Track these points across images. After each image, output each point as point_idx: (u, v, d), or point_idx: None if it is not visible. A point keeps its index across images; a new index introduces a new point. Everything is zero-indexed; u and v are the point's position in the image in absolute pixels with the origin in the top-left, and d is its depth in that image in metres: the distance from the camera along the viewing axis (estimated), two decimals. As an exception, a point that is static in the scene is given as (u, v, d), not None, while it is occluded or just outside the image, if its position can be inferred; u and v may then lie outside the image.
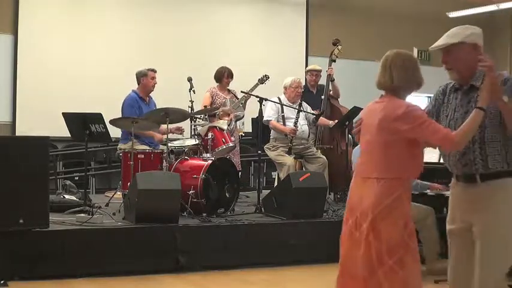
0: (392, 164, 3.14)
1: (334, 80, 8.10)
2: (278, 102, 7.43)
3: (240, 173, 7.59)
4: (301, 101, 7.53)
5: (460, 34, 3.20)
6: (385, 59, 3.27)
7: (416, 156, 3.19)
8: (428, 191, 5.76)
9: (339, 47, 8.23)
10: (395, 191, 3.12)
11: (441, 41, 3.22)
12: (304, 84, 7.97)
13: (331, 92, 8.14)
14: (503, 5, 11.34)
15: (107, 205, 6.70)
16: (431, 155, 5.91)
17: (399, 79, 3.20)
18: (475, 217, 3.13)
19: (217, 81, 7.94)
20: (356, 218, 3.20)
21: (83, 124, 6.27)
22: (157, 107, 7.20)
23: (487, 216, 3.09)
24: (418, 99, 12.24)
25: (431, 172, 5.65)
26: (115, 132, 6.93)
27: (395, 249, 3.09)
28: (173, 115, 6.76)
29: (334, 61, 8.26)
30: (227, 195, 6.69)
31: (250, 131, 9.27)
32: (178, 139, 7.26)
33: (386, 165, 3.15)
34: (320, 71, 8.27)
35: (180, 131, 7.19)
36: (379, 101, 3.27)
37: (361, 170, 3.28)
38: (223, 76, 7.88)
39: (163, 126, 6.77)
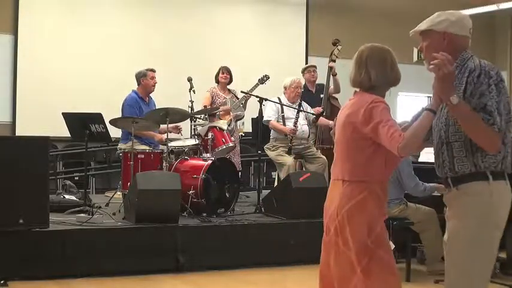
0: (356, 166, 2.92)
1: (336, 74, 8.07)
2: (278, 102, 7.43)
3: (240, 173, 7.59)
4: (301, 100, 7.53)
5: (430, 20, 2.95)
6: (359, 54, 3.05)
7: (383, 158, 2.90)
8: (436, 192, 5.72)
9: (339, 47, 8.22)
10: (357, 194, 2.90)
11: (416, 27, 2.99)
12: (303, 84, 7.97)
13: (331, 87, 8.12)
14: (503, 5, 11.34)
15: (107, 205, 6.71)
16: (431, 155, 5.90)
17: (377, 76, 2.98)
18: (447, 225, 2.89)
19: (216, 82, 7.96)
20: (326, 222, 3.10)
21: (83, 124, 6.28)
22: (158, 107, 7.21)
23: (452, 227, 2.82)
24: (419, 100, 12.25)
25: (432, 172, 5.64)
26: (115, 132, 6.93)
27: (360, 255, 2.88)
28: (173, 115, 6.76)
29: (334, 61, 8.26)
30: (227, 195, 6.69)
31: (250, 131, 9.27)
32: (178, 139, 7.27)
33: (350, 167, 2.94)
34: (316, 66, 8.31)
35: (177, 130, 7.19)
36: (351, 98, 3.07)
37: (332, 171, 3.10)
38: (219, 74, 7.91)
39: (163, 126, 6.78)
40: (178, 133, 7.26)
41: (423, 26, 2.96)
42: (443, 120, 2.83)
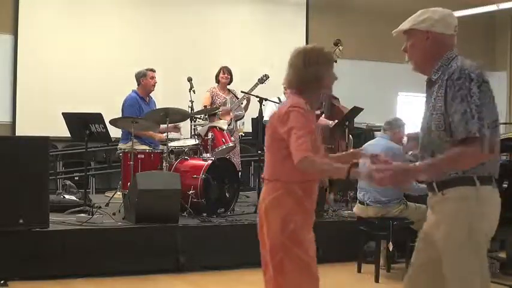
0: (275, 165, 2.99)
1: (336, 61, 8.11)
2: (278, 102, 7.43)
3: (240, 173, 7.59)
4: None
5: (413, 19, 2.84)
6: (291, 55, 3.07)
7: None
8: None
9: (340, 47, 8.23)
10: (273, 192, 2.96)
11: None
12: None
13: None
14: (503, 5, 11.33)
15: (107, 205, 6.71)
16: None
17: (294, 77, 3.02)
18: (425, 227, 2.86)
19: (217, 82, 7.96)
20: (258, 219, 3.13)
21: (83, 124, 6.28)
22: (158, 107, 7.21)
23: (438, 234, 2.73)
24: (419, 100, 12.23)
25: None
26: (115, 132, 6.93)
27: (273, 251, 2.93)
28: (173, 115, 6.77)
29: (335, 61, 8.25)
30: (227, 195, 6.69)
31: (250, 131, 9.27)
32: (178, 139, 7.27)
33: (270, 166, 3.02)
34: None
35: (177, 129, 7.19)
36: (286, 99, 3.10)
37: None
38: (219, 74, 7.91)
39: (163, 126, 6.78)
40: (178, 132, 7.26)
41: (406, 25, 2.87)
42: (425, 125, 2.78)
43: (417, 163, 2.72)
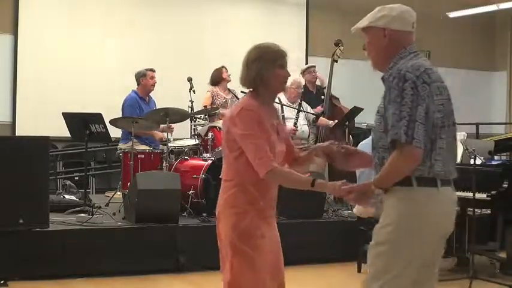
0: (229, 165, 2.98)
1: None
2: (278, 102, 7.42)
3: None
4: (301, 101, 7.53)
5: (370, 16, 2.80)
6: None
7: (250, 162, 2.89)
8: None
9: (341, 48, 8.23)
10: (227, 192, 2.98)
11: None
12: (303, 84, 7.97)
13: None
14: (503, 5, 11.33)
15: (107, 205, 6.71)
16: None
17: (242, 75, 3.01)
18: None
19: (216, 84, 7.79)
20: None
21: (83, 124, 6.28)
22: (158, 107, 7.21)
23: (375, 236, 2.71)
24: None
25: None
26: (115, 132, 6.93)
27: (224, 249, 2.96)
28: (173, 115, 6.77)
29: (336, 61, 8.28)
30: (227, 195, 6.68)
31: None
32: (178, 139, 7.27)
33: (225, 166, 3.01)
34: (315, 66, 8.35)
35: (170, 129, 7.15)
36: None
37: None
38: (221, 73, 7.76)
39: (163, 126, 6.78)
40: (171, 132, 7.19)
41: (364, 22, 2.83)
42: (374, 126, 2.78)
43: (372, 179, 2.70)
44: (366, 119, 9.72)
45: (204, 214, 6.31)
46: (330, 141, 3.08)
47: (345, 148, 3.02)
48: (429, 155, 2.62)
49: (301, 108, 7.43)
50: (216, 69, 7.85)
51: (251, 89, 3.04)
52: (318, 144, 3.02)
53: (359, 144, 5.91)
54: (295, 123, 7.33)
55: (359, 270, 5.84)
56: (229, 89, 7.92)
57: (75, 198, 6.69)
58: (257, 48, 3.02)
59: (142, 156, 6.60)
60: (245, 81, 3.02)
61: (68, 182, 7.28)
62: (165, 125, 6.72)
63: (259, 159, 2.83)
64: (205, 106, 7.65)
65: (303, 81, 7.88)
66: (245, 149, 2.86)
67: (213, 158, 6.68)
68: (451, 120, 2.73)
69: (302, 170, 3.17)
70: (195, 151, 7.02)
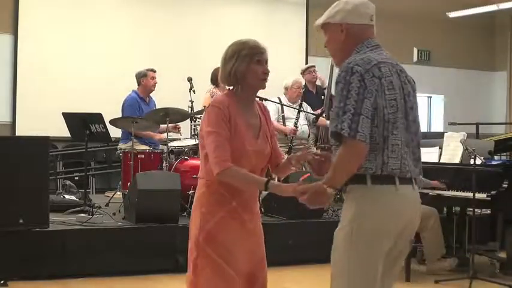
0: (201, 164, 2.94)
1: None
2: (278, 102, 7.43)
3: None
4: (302, 101, 7.54)
5: (327, 12, 2.78)
6: None
7: None
8: (429, 191, 5.74)
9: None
10: (198, 190, 2.95)
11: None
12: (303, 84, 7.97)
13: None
14: (503, 5, 11.33)
15: (107, 205, 6.71)
16: (430, 156, 5.92)
17: (220, 73, 3.01)
18: None
19: (215, 83, 7.82)
20: None
21: (83, 124, 6.28)
22: (158, 107, 7.21)
23: (334, 239, 2.68)
24: (418, 100, 12.21)
25: (432, 172, 5.65)
26: (115, 132, 6.92)
27: (191, 249, 2.90)
28: (173, 115, 6.77)
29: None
30: (227, 195, 6.68)
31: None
32: (178, 139, 7.27)
33: (201, 165, 2.95)
34: (315, 66, 8.35)
35: (177, 129, 7.18)
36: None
37: None
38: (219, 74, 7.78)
39: (163, 126, 6.78)
40: (178, 132, 7.25)
41: (321, 19, 2.80)
42: None
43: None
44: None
45: (204, 214, 6.30)
46: (305, 148, 3.01)
47: (320, 155, 2.88)
48: (381, 153, 2.55)
49: (302, 108, 7.43)
50: (216, 68, 7.85)
51: (230, 87, 3.00)
52: (292, 154, 2.93)
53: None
54: (295, 123, 7.33)
55: (359, 270, 5.83)
56: (229, 89, 7.91)
57: (75, 198, 6.68)
58: (234, 45, 3.01)
59: (142, 156, 6.60)
60: (222, 78, 3.00)
61: (68, 182, 7.28)
62: (165, 125, 6.71)
63: (215, 157, 2.77)
64: (205, 106, 7.65)
65: (303, 81, 7.89)
66: (206, 146, 2.83)
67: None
68: (411, 116, 2.66)
69: (283, 176, 3.23)
70: (195, 151, 7.01)
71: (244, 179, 2.82)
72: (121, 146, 7.08)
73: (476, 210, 5.56)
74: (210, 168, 2.83)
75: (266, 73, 2.96)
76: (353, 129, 2.46)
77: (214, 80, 7.84)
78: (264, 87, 3.01)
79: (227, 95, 2.97)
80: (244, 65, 2.92)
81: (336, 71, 3.05)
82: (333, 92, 8.64)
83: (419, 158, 2.72)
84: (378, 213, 2.56)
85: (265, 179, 2.80)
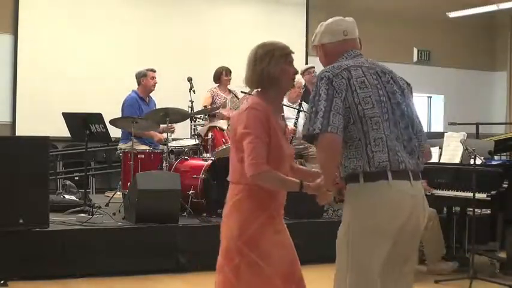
0: (235, 168, 2.89)
1: None
2: (278, 102, 7.42)
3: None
4: (301, 101, 7.54)
5: (314, 36, 2.99)
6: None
7: None
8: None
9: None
10: (234, 196, 2.89)
11: None
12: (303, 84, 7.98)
13: None
14: (503, 5, 11.34)
15: (107, 205, 6.71)
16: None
17: (248, 75, 2.95)
18: None
19: (216, 82, 7.92)
20: None
21: (83, 124, 6.28)
22: (158, 107, 7.21)
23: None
24: (419, 100, 12.25)
25: (432, 172, 5.65)
26: (115, 132, 6.92)
27: (229, 255, 2.86)
28: (173, 115, 6.77)
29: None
30: (227, 195, 6.67)
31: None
32: (178, 139, 7.26)
33: (232, 169, 2.92)
34: (314, 67, 8.36)
35: (170, 129, 7.15)
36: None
37: None
38: (221, 75, 7.86)
39: (163, 126, 6.78)
40: (171, 132, 7.20)
41: (313, 42, 3.00)
42: None
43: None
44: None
45: (204, 214, 6.31)
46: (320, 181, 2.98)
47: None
48: (364, 148, 2.66)
49: (301, 108, 7.43)
50: (220, 67, 7.89)
51: (258, 89, 2.96)
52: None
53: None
54: (295, 123, 7.33)
55: (359, 270, 5.84)
56: (229, 89, 7.93)
57: (75, 198, 6.68)
58: (264, 46, 2.96)
59: (142, 156, 6.60)
60: (252, 80, 2.95)
61: (68, 182, 7.28)
62: (165, 125, 6.71)
63: (251, 159, 2.75)
64: (205, 106, 7.66)
65: (303, 82, 7.89)
66: (243, 148, 2.79)
67: (213, 158, 6.68)
68: (397, 111, 2.75)
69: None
70: (195, 151, 7.02)
71: (279, 181, 2.83)
72: (121, 146, 7.08)
73: (476, 210, 5.56)
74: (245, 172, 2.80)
75: (296, 74, 3.01)
76: (324, 125, 2.61)
77: (215, 79, 7.91)
78: (293, 87, 3.09)
79: (260, 97, 2.92)
80: (278, 66, 2.90)
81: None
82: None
83: (412, 151, 2.76)
84: (371, 211, 2.63)
85: (298, 180, 2.82)
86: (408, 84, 2.90)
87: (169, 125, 6.99)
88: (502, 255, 5.99)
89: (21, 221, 5.23)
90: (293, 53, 2.97)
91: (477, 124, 8.95)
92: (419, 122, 2.87)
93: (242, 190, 2.87)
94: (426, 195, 2.86)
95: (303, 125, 2.70)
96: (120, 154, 6.85)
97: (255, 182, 2.78)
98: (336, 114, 2.61)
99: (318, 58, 3.07)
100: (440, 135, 6.48)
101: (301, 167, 3.18)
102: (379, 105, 2.70)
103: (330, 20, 2.96)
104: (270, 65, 2.89)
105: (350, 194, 2.71)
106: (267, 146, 2.79)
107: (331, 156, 2.64)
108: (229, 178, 2.96)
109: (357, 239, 2.64)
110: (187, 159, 6.75)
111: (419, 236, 2.83)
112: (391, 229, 2.63)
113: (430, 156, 2.98)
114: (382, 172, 2.63)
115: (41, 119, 9.16)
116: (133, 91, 7.27)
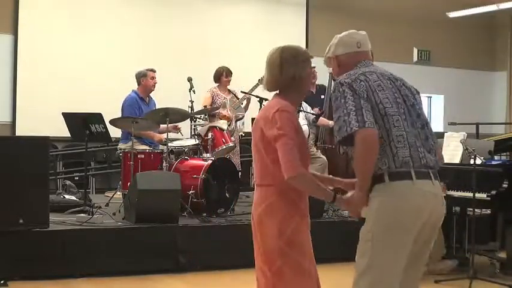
0: (266, 170, 2.91)
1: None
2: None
3: (240, 173, 7.59)
4: (301, 100, 7.53)
5: (328, 48, 3.09)
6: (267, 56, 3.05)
7: None
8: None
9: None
10: (267, 199, 2.90)
11: None
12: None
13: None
14: (503, 5, 11.34)
15: (107, 205, 6.71)
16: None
17: (272, 78, 2.99)
18: None
19: (216, 82, 7.94)
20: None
21: (83, 124, 6.28)
22: (158, 107, 7.21)
23: (360, 235, 2.87)
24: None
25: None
26: (115, 132, 6.92)
27: (270, 258, 2.88)
28: (173, 115, 6.77)
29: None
30: (227, 195, 6.69)
31: (250, 131, 9.25)
32: (178, 139, 7.26)
33: (261, 171, 2.94)
34: (315, 66, 8.35)
35: (176, 129, 7.19)
36: (269, 100, 3.08)
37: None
38: (221, 75, 7.88)
39: (163, 126, 6.78)
40: (178, 133, 7.26)
41: (327, 54, 3.09)
42: None
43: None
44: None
45: (204, 214, 6.31)
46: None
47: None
48: (388, 145, 2.74)
49: (301, 108, 7.43)
50: (220, 67, 7.91)
51: (277, 91, 3.01)
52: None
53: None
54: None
55: (359, 270, 5.83)
56: (229, 90, 7.94)
57: (75, 198, 6.68)
58: (288, 50, 3.00)
59: (142, 156, 6.60)
60: (277, 83, 2.99)
61: (68, 182, 7.27)
62: (165, 125, 6.71)
63: (288, 161, 2.78)
64: (205, 106, 7.66)
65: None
66: (278, 149, 2.81)
67: (213, 158, 6.68)
68: (413, 112, 2.86)
69: None
70: (195, 151, 7.02)
71: (315, 186, 2.87)
72: (121, 146, 7.08)
73: (476, 210, 5.56)
74: (280, 172, 2.81)
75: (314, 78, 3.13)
76: (361, 122, 2.69)
77: (214, 78, 7.92)
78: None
79: (284, 100, 2.96)
80: (305, 70, 2.98)
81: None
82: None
83: (430, 149, 2.87)
84: (396, 210, 2.72)
85: (333, 192, 2.86)
86: (418, 92, 3.02)
87: (175, 124, 7.01)
88: (502, 255, 5.98)
89: (21, 221, 5.23)
90: (312, 57, 3.06)
91: (477, 124, 8.95)
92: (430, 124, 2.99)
93: (275, 192, 2.90)
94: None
95: (336, 132, 2.76)
96: (120, 154, 6.85)
97: (292, 183, 2.81)
98: (367, 111, 2.72)
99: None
100: (440, 135, 6.48)
101: (315, 172, 3.21)
102: (396, 105, 2.81)
103: (343, 33, 3.07)
104: (301, 69, 2.96)
105: (374, 193, 2.77)
106: (299, 146, 2.85)
107: (372, 150, 2.70)
108: (257, 181, 2.98)
109: (381, 236, 2.73)
110: (187, 159, 6.75)
111: (436, 233, 2.92)
112: (414, 228, 2.74)
113: (442, 160, 3.02)
114: (406, 172, 2.73)
115: (41, 119, 9.16)
116: (133, 91, 7.27)
